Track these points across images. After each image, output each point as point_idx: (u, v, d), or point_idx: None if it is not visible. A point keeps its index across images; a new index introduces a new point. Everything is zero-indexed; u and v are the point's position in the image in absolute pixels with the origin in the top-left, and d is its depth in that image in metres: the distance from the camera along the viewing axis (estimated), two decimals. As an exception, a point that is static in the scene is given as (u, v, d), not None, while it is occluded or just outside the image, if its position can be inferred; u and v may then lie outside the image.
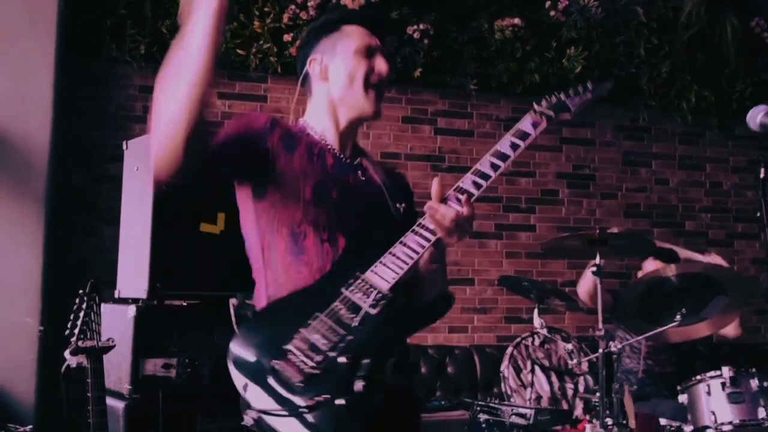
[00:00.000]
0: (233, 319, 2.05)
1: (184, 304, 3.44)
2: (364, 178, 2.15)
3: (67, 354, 2.72)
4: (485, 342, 5.84)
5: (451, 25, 5.75)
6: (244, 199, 2.10)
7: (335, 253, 1.99)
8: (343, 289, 1.88)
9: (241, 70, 5.49)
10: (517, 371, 5.42)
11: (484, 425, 4.16)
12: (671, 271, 3.92)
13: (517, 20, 5.80)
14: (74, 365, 2.72)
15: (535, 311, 4.09)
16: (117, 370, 3.24)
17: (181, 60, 1.81)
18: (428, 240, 1.89)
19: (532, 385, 5.02)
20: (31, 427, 3.82)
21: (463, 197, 1.89)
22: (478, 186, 1.93)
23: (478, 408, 4.24)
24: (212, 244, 3.43)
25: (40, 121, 4.52)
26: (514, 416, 4.07)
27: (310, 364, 1.76)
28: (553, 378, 5.36)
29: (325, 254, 1.99)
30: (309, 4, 5.34)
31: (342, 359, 1.75)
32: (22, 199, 4.43)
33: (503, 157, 1.98)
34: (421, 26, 5.57)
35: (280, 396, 1.74)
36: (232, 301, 2.12)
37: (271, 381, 1.76)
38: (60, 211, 4.71)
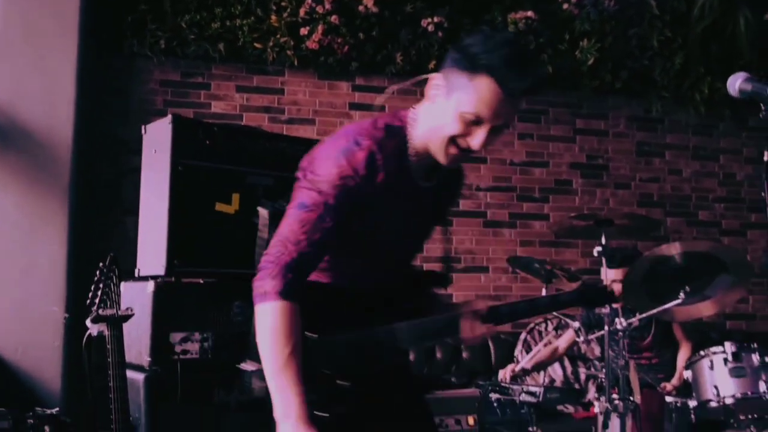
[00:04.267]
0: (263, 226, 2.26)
1: (201, 281, 3.58)
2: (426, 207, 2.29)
3: (88, 322, 2.86)
4: (500, 328, 5.88)
5: (465, 18, 5.82)
6: None
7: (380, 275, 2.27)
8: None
9: (258, 64, 5.59)
10: (530, 355, 5.50)
11: (495, 404, 4.26)
12: (675, 249, 3.98)
13: (530, 13, 5.87)
14: (95, 333, 2.86)
15: (543, 291, 4.17)
16: (137, 343, 3.37)
17: None
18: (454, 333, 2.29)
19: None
20: (57, 409, 3.94)
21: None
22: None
23: (489, 388, 4.33)
24: (227, 223, 3.56)
25: (64, 115, 4.59)
26: (524, 394, 4.17)
27: None
28: (566, 362, 5.44)
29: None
30: (325, -2, 5.43)
31: None
32: (47, 192, 4.52)
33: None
34: (435, 19, 5.65)
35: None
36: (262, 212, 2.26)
37: None
38: (84, 203, 4.80)
